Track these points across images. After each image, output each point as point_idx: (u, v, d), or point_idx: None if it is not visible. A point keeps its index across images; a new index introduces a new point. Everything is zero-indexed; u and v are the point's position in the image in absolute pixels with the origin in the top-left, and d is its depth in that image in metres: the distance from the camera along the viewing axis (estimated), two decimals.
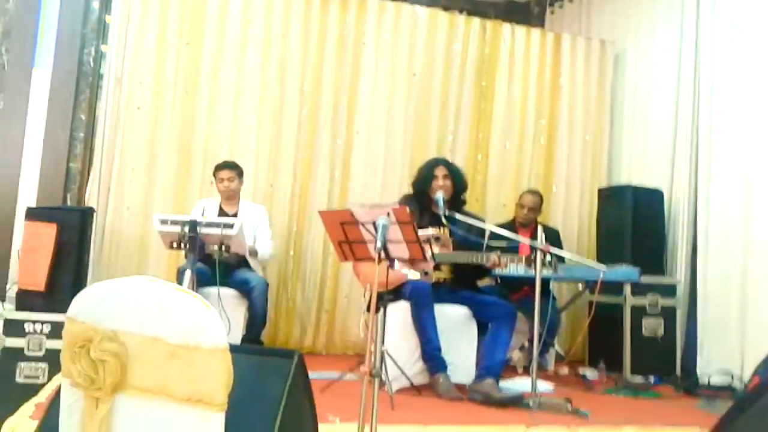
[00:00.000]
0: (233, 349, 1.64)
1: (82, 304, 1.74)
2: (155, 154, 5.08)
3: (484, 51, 5.84)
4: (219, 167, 4.71)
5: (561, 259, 4.04)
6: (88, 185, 5.07)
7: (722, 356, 4.58)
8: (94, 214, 4.71)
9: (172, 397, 1.63)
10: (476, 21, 5.88)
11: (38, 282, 3.94)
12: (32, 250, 3.98)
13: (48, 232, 4.00)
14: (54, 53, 5.17)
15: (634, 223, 5.12)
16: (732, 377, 4.36)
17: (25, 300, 3.95)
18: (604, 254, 5.28)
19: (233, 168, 4.70)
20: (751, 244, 4.52)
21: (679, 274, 5.09)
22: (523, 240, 3.98)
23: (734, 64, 4.80)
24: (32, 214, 4.11)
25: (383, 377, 3.30)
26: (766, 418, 2.51)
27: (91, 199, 4.98)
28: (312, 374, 2.15)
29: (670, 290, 4.93)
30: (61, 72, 5.12)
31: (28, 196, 4.91)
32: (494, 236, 4.02)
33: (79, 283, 4.17)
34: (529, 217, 5.06)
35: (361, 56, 5.52)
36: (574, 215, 5.94)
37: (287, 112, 5.33)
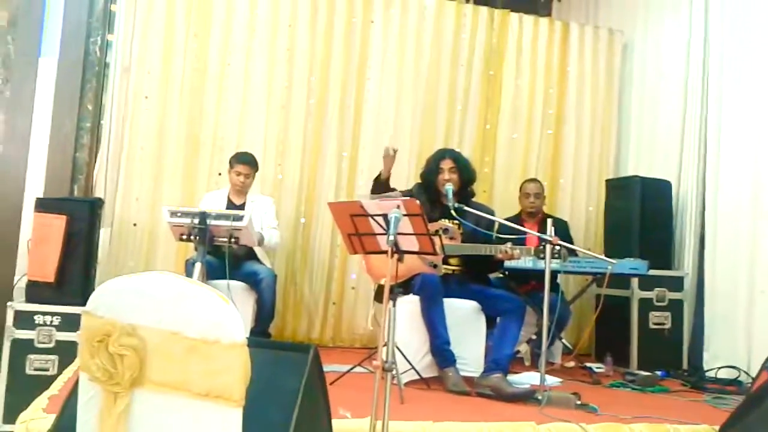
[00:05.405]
0: (250, 343, 1.64)
1: (100, 299, 1.73)
2: (163, 144, 5.08)
3: (491, 41, 5.81)
4: (239, 160, 4.62)
5: (572, 252, 4.01)
6: (95, 175, 5.06)
7: (729, 350, 4.56)
8: (103, 205, 4.71)
9: (190, 392, 1.62)
10: (484, 10, 5.84)
11: (48, 274, 3.94)
12: (42, 242, 3.97)
13: (58, 223, 3.99)
14: (60, 42, 5.14)
15: (642, 214, 5.08)
16: (739, 372, 4.35)
17: (35, 292, 3.96)
18: (612, 246, 5.27)
19: (252, 165, 4.63)
20: (759, 237, 4.49)
21: (687, 267, 5.07)
22: (532, 233, 3.95)
23: (744, 53, 4.76)
24: (42, 206, 4.09)
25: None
26: None
27: (98, 190, 4.97)
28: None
29: (677, 283, 4.93)
30: (67, 61, 5.09)
31: (35, 187, 4.89)
32: (503, 229, 3.99)
33: (88, 274, 4.18)
34: (535, 204, 4.97)
35: (369, 47, 5.50)
36: (581, 207, 5.92)
37: (295, 102, 5.31)
